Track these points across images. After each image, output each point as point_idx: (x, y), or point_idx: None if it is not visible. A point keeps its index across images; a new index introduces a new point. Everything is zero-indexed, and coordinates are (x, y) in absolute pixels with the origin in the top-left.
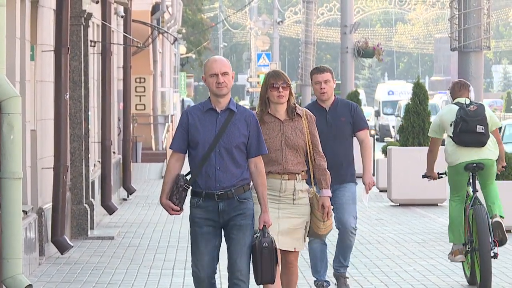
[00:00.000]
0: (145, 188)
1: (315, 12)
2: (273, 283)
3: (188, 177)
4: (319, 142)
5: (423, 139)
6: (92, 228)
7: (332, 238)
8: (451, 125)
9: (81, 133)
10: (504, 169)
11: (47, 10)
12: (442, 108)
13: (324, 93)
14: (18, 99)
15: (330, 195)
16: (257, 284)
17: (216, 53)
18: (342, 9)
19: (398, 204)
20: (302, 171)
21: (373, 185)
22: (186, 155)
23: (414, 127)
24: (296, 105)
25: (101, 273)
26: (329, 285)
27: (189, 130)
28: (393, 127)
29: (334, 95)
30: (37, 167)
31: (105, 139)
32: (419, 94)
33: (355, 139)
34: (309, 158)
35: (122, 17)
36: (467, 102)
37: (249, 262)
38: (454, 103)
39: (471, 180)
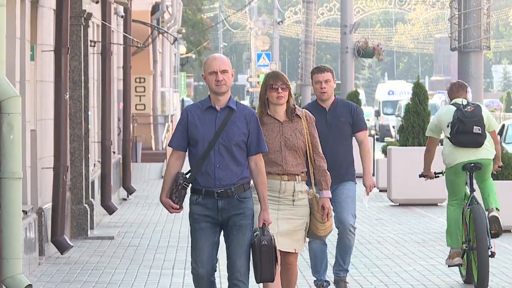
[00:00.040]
0: (145, 188)
1: (315, 12)
2: (273, 282)
3: (188, 176)
4: (319, 143)
5: (423, 139)
6: (92, 228)
7: (332, 238)
8: (448, 126)
9: (81, 133)
10: (500, 168)
11: (47, 10)
12: (440, 109)
13: (324, 92)
14: (18, 99)
15: (330, 196)
16: (257, 283)
17: (216, 53)
18: (342, 9)
19: (398, 204)
20: (302, 172)
21: (374, 187)
22: (187, 153)
23: (414, 127)
24: (296, 106)
25: (101, 273)
26: (329, 284)
27: (189, 128)
28: (393, 127)
29: (334, 95)
30: (37, 167)
31: (105, 139)
32: (419, 94)
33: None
34: (308, 159)
35: (122, 17)
36: (464, 103)
37: (249, 262)
38: (452, 104)
39: (468, 181)
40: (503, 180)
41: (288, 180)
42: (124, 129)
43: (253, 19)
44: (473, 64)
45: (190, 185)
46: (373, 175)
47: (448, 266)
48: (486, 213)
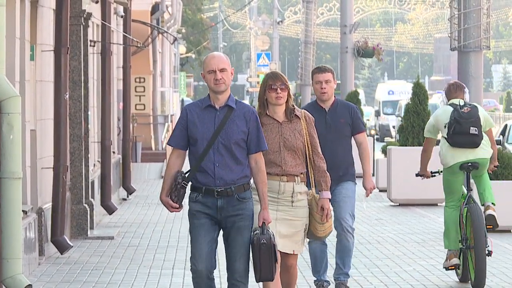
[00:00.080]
0: (144, 188)
1: (315, 12)
2: (273, 281)
3: (187, 175)
4: (318, 144)
5: (423, 139)
6: (91, 228)
7: (332, 238)
8: (445, 126)
9: (80, 133)
10: (496, 168)
11: (46, 10)
12: (437, 109)
13: (324, 93)
14: (17, 99)
15: (330, 197)
16: (257, 282)
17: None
18: (342, 9)
19: (398, 204)
20: (301, 173)
21: (374, 189)
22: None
23: (414, 127)
24: (295, 106)
25: (100, 273)
26: (329, 284)
27: (188, 126)
28: (393, 127)
29: (334, 96)
30: (37, 167)
31: (105, 139)
32: (419, 94)
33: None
34: (308, 160)
35: (121, 17)
36: (462, 103)
37: (248, 263)
38: (449, 104)
39: (465, 181)
40: (503, 180)
41: (287, 181)
42: (124, 129)
43: (253, 19)
44: (473, 64)
45: (190, 183)
46: (373, 175)
47: (446, 269)
48: (483, 208)
